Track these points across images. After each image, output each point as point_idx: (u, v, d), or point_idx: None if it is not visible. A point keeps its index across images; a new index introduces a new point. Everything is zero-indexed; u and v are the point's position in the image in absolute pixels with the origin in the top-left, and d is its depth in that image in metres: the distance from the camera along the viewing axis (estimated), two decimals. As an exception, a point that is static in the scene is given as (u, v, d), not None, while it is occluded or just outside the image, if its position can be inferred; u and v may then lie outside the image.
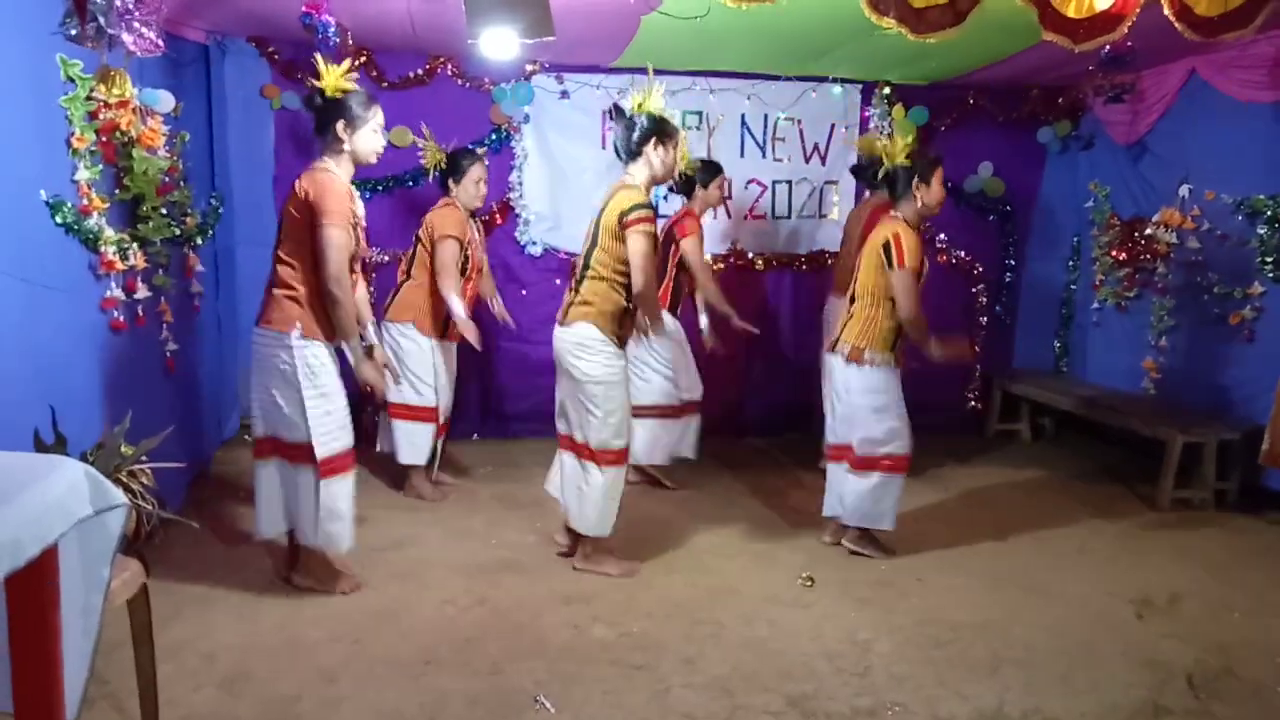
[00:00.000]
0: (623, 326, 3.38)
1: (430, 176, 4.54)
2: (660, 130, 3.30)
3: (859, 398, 3.67)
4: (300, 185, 3.04)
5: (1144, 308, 5.35)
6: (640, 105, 3.33)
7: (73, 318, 3.07)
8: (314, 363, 3.07)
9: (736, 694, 2.74)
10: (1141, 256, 5.24)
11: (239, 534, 3.80)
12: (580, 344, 3.34)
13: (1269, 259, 4.53)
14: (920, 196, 3.60)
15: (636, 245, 3.22)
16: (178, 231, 4.01)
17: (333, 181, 3.00)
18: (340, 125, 3.04)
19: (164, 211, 3.77)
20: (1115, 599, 3.52)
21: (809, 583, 3.56)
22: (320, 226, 2.96)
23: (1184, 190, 5.02)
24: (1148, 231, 5.16)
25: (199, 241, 4.35)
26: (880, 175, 3.74)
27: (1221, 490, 4.64)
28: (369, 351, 3.13)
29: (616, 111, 3.37)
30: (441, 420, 4.41)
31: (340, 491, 3.17)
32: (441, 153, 4.44)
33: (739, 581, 3.58)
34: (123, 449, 2.58)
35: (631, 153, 3.34)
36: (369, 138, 3.10)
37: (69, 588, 1.58)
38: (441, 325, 4.32)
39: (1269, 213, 4.53)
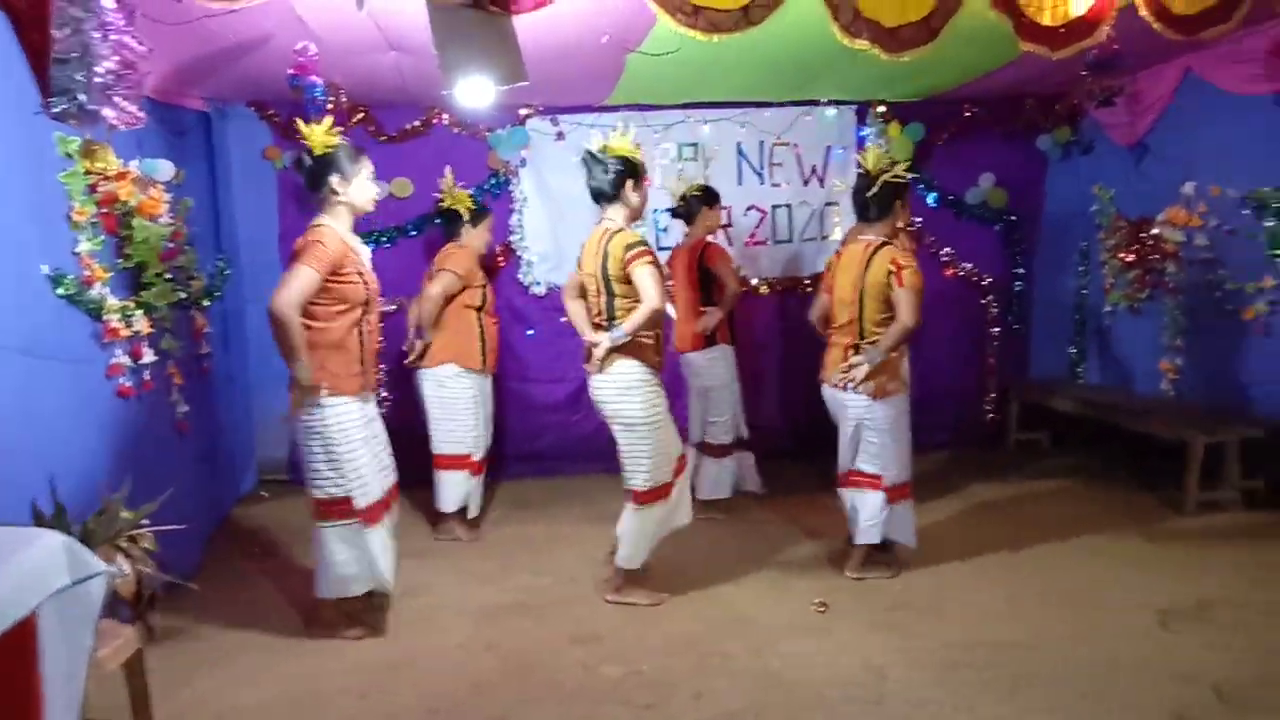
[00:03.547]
0: (659, 354, 3.45)
1: (463, 221, 4.45)
2: (633, 171, 3.38)
3: (887, 430, 3.64)
4: (298, 242, 3.11)
5: (1157, 309, 5.27)
6: (607, 149, 3.39)
7: (77, 387, 3.13)
8: (344, 418, 3.13)
9: (748, 728, 2.70)
10: (1150, 257, 5.17)
11: (252, 591, 3.84)
12: (620, 388, 3.38)
13: (1279, 251, 4.45)
14: (901, 215, 3.63)
15: (644, 276, 3.26)
16: (184, 295, 4.10)
17: (321, 234, 3.07)
18: (335, 179, 3.13)
19: (168, 276, 3.85)
20: (1141, 609, 3.43)
21: (823, 609, 3.51)
22: (294, 263, 3.01)
23: (1188, 188, 4.94)
24: (1154, 231, 5.09)
25: (206, 303, 4.43)
26: (871, 194, 3.61)
27: (1250, 490, 4.53)
28: (297, 387, 3.09)
29: (591, 158, 3.42)
30: (479, 458, 4.45)
31: (387, 537, 3.31)
32: (470, 199, 4.52)
33: (752, 611, 3.54)
34: (123, 514, 2.62)
35: (611, 196, 3.40)
36: (364, 187, 3.20)
37: (52, 656, 1.60)
38: (481, 356, 4.37)
39: (1275, 205, 4.45)
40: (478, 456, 4.43)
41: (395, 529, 3.40)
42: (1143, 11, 3.17)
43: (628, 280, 3.32)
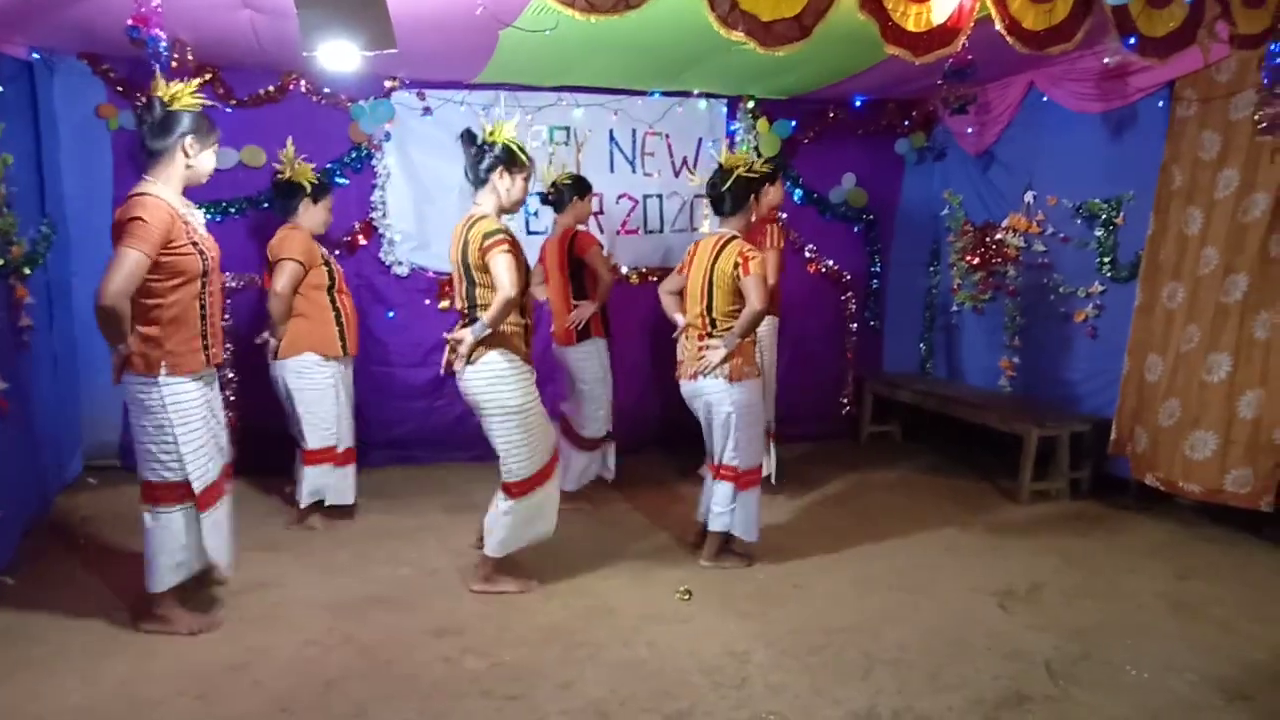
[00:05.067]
0: (528, 344, 3.38)
1: (304, 195, 4.14)
2: (508, 160, 3.28)
3: (743, 414, 3.67)
4: (118, 212, 2.86)
5: (998, 309, 5.61)
6: (493, 133, 3.29)
7: None
8: (183, 399, 2.94)
9: (613, 717, 2.68)
10: (993, 260, 5.50)
11: (79, 585, 3.52)
12: (490, 377, 3.27)
13: (1106, 259, 4.82)
14: (756, 209, 3.71)
15: (499, 264, 3.18)
16: (1, 262, 3.71)
17: (143, 206, 2.82)
18: (190, 140, 2.93)
19: (-20, 240, 3.48)
20: (981, 593, 3.64)
21: (687, 596, 3.55)
22: (117, 245, 2.76)
23: (1029, 196, 5.29)
24: (998, 236, 5.41)
25: (27, 271, 4.02)
26: (726, 188, 3.68)
27: (1076, 480, 4.89)
28: (126, 359, 2.90)
29: (468, 137, 3.33)
30: (342, 449, 4.25)
31: (222, 518, 3.15)
32: (313, 174, 4.22)
33: (617, 600, 3.53)
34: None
35: (479, 180, 3.31)
36: (210, 158, 3.04)
37: None
38: (340, 342, 4.15)
39: (1104, 215, 4.82)
40: (342, 448, 4.24)
41: (230, 507, 3.23)
42: (998, 25, 3.33)
43: (487, 269, 3.23)
